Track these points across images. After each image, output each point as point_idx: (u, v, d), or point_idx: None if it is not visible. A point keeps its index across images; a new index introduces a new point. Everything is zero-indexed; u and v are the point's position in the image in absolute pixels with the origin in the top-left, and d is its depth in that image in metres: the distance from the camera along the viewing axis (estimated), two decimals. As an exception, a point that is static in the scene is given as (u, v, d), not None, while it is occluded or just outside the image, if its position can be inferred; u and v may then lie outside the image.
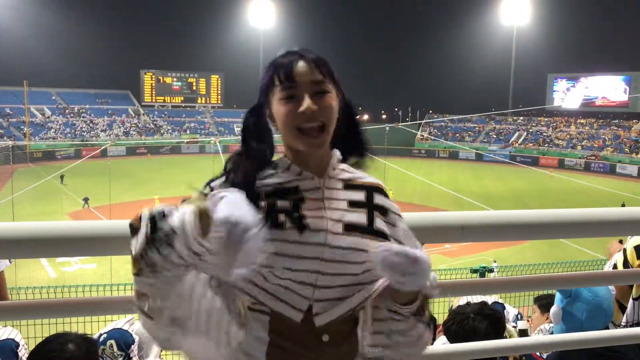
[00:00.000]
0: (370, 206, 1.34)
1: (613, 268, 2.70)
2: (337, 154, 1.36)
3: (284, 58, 1.30)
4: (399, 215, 1.40)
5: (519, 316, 3.63)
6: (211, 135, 67.44)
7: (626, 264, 2.60)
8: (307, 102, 1.25)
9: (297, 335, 1.27)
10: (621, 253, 2.66)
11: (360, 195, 1.35)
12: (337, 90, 1.32)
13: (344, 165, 1.38)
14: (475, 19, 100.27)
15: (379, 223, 1.33)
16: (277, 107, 1.28)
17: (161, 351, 3.03)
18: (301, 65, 1.27)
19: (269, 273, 1.23)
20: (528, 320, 3.84)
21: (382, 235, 1.32)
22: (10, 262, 2.82)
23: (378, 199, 1.37)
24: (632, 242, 2.63)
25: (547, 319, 3.35)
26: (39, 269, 19.35)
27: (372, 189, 1.37)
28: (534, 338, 2.71)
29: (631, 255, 2.58)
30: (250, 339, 1.26)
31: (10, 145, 42.21)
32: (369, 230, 1.31)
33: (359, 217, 1.31)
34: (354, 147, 1.41)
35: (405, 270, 1.17)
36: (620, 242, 3.33)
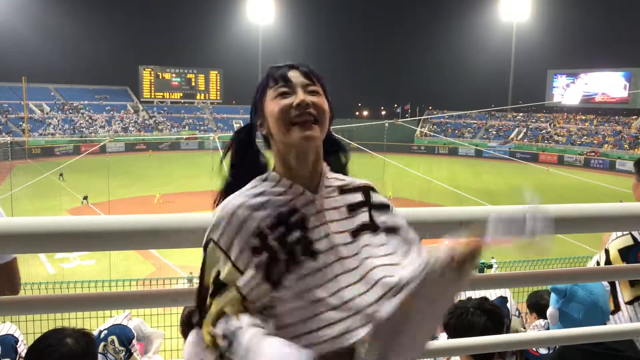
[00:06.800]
0: (370, 205, 1.36)
1: (596, 265, 2.63)
2: (325, 164, 1.36)
3: (278, 66, 1.32)
4: (395, 211, 1.42)
5: (517, 313, 3.63)
6: (210, 132, 67.39)
7: (608, 264, 2.52)
8: (301, 95, 1.25)
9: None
10: (603, 252, 2.57)
11: (357, 197, 1.36)
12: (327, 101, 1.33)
13: (335, 174, 1.38)
14: (475, 15, 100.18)
15: (382, 218, 1.35)
16: (271, 107, 1.27)
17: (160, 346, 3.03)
18: (294, 71, 1.29)
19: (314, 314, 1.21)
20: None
21: (390, 230, 1.34)
22: None
23: (375, 197, 1.38)
24: (615, 244, 2.52)
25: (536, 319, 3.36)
26: (38, 265, 19.35)
27: (367, 189, 1.39)
28: (531, 333, 2.71)
29: (615, 257, 2.49)
30: None
31: (9, 142, 42.11)
32: (375, 228, 1.32)
33: (363, 216, 1.33)
34: (337, 151, 1.42)
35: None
36: None
